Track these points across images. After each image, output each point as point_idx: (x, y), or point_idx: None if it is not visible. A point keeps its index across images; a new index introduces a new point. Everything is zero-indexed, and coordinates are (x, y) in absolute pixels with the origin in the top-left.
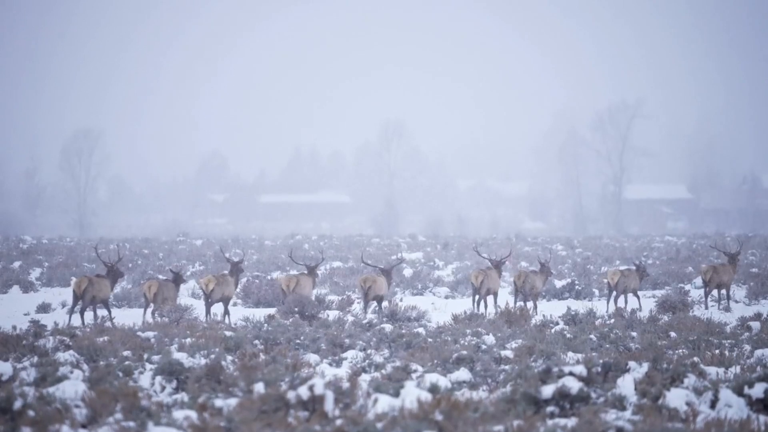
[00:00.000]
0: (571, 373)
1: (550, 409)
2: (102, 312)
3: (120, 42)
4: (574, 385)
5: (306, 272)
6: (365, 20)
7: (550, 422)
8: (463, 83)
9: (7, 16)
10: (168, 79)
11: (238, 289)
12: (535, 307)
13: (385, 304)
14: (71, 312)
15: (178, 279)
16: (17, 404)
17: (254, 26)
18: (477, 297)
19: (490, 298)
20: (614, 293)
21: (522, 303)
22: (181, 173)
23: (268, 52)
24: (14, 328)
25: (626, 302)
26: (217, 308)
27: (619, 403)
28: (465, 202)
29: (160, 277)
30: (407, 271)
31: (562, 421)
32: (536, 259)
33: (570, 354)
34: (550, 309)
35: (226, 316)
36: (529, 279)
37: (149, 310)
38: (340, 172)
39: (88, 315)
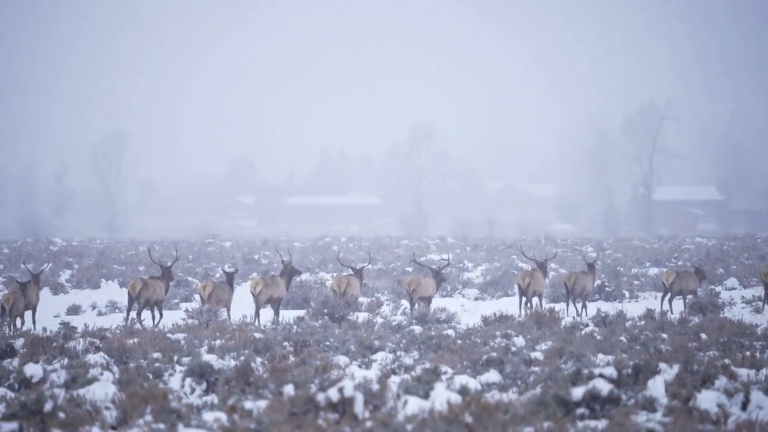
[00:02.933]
0: (601, 375)
1: (580, 411)
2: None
3: (149, 46)
4: (604, 387)
5: (353, 273)
6: (393, 23)
7: (580, 424)
8: (491, 85)
9: (37, 20)
10: (197, 83)
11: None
12: (585, 307)
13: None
14: (128, 313)
15: (231, 280)
16: (48, 406)
17: (282, 32)
18: (524, 299)
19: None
20: (669, 294)
21: (573, 304)
22: (210, 176)
23: (297, 56)
24: (44, 330)
25: (685, 304)
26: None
27: (650, 405)
28: (493, 204)
29: (190, 279)
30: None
31: (593, 423)
32: (584, 260)
33: (600, 356)
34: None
35: (276, 317)
36: (579, 280)
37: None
38: (368, 174)
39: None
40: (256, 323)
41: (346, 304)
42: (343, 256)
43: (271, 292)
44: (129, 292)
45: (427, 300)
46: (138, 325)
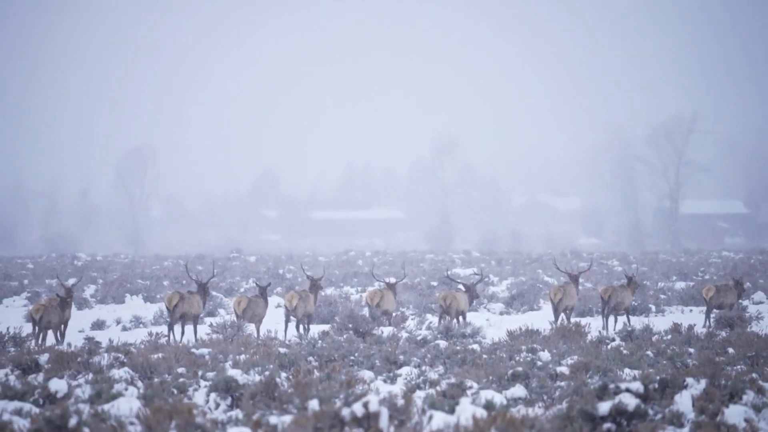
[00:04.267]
0: (627, 390)
1: (606, 426)
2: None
3: (173, 63)
4: (631, 402)
5: (387, 287)
6: (417, 37)
7: None
8: (515, 98)
9: (62, 36)
10: (220, 98)
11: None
12: (626, 320)
13: (436, 320)
14: (169, 327)
15: (264, 294)
16: (72, 421)
17: (306, 45)
18: (556, 313)
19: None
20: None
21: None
22: (234, 190)
23: (321, 70)
24: (69, 345)
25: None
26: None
27: (677, 420)
28: (519, 217)
29: (214, 293)
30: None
31: None
32: (623, 274)
33: (626, 370)
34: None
35: (308, 332)
36: (616, 294)
37: (245, 326)
38: (393, 188)
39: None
40: (283, 337)
41: (372, 318)
42: (369, 270)
43: (305, 306)
44: (166, 306)
45: (463, 315)
46: (162, 340)
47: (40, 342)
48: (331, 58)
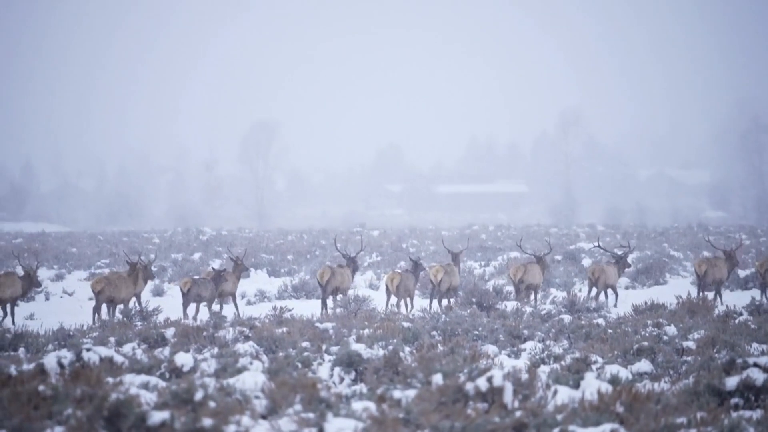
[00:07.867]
0: (756, 365)
1: (734, 401)
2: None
3: (302, 39)
4: (759, 377)
5: (534, 261)
6: (542, 12)
7: (734, 414)
8: (643, 71)
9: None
10: (345, 74)
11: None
12: None
13: (564, 294)
14: (323, 301)
15: (417, 269)
16: (198, 395)
17: (434, 18)
18: (701, 285)
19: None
20: None
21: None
22: (358, 164)
23: (445, 44)
24: (195, 319)
25: None
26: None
27: None
28: (644, 191)
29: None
30: (586, 261)
31: (747, 413)
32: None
33: (754, 345)
34: (734, 300)
35: (449, 306)
36: None
37: (392, 302)
38: (516, 162)
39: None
40: (429, 309)
41: (496, 293)
42: (492, 244)
43: (450, 280)
44: (318, 281)
45: (612, 288)
46: (287, 315)
47: (193, 315)
48: (456, 33)
